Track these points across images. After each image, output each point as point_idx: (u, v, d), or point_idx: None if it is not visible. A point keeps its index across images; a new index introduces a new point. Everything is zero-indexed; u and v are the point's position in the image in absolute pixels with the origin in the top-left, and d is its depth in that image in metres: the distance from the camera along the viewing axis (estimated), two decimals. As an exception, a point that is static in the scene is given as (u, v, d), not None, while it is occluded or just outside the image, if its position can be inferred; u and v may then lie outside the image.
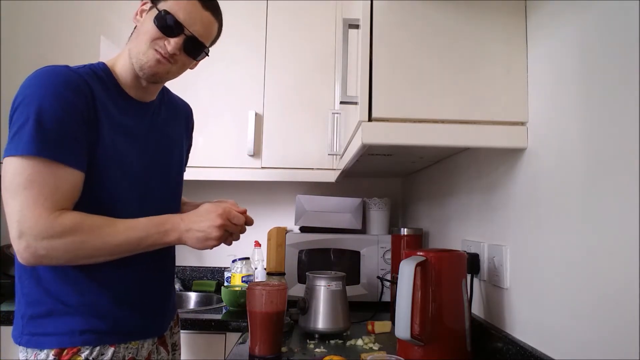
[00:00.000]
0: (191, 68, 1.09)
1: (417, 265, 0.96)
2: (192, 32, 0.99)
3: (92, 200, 0.93)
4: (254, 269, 1.89)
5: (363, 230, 1.89)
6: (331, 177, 1.89)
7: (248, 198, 2.23)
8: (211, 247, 0.98)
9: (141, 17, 1.01)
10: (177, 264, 1.30)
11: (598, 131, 0.74)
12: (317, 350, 1.22)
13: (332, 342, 1.30)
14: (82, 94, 0.91)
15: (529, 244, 0.95)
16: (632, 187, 0.66)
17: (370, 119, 0.94)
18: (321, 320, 1.32)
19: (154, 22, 0.97)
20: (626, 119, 0.67)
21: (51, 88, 0.88)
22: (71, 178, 0.88)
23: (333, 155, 1.82)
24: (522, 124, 0.97)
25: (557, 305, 0.84)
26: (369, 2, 0.96)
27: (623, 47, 0.69)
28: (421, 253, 1.01)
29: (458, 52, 0.97)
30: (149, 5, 1.00)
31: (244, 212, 1.04)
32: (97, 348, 0.93)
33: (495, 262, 1.09)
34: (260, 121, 1.91)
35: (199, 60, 1.08)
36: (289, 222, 2.18)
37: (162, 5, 0.98)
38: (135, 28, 1.03)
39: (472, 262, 1.16)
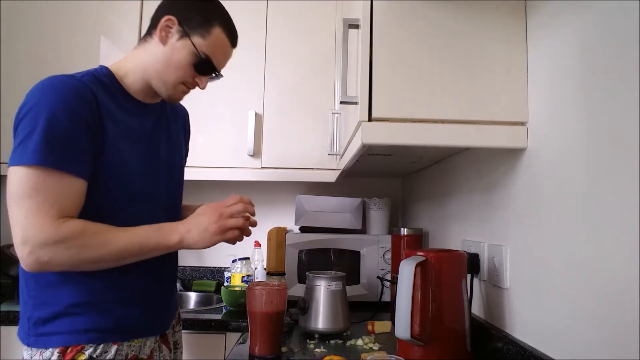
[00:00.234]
0: None
1: (417, 265, 0.96)
2: (219, 69, 1.07)
3: (98, 202, 0.95)
4: (254, 269, 1.89)
5: (363, 230, 1.89)
6: (331, 177, 1.89)
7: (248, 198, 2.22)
8: (215, 242, 0.99)
9: (166, 35, 1.01)
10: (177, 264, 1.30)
11: (598, 131, 0.74)
12: (317, 350, 1.22)
13: (332, 342, 1.30)
14: (88, 103, 0.92)
15: (529, 244, 0.95)
16: (632, 187, 0.66)
17: (370, 119, 0.94)
18: (321, 320, 1.32)
19: (194, 66, 1.02)
20: (626, 119, 0.67)
21: (57, 98, 0.89)
22: (76, 186, 0.90)
23: (333, 155, 1.82)
24: (522, 124, 0.97)
25: (557, 305, 0.84)
26: (369, 2, 0.96)
27: (623, 47, 0.69)
28: (421, 253, 1.01)
29: (458, 52, 0.97)
30: (177, 28, 1.00)
31: (248, 202, 1.05)
32: (101, 346, 0.95)
33: (495, 262, 1.09)
34: (260, 121, 1.91)
35: None
36: (289, 222, 2.18)
37: (199, 44, 1.00)
38: (150, 35, 1.03)
39: (472, 262, 1.16)
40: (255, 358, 1.17)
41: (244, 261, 1.88)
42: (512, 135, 0.97)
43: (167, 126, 1.14)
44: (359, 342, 1.28)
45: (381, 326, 1.39)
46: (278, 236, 1.94)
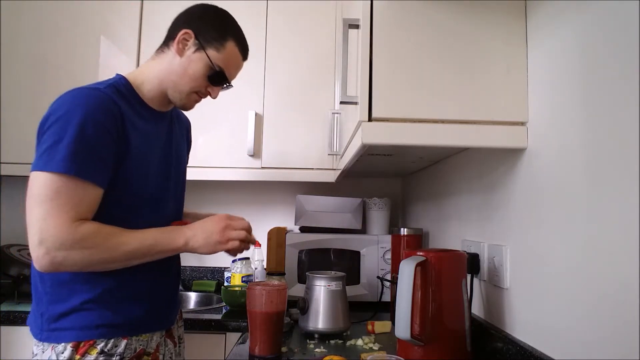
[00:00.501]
0: None
1: (417, 265, 0.96)
2: (231, 80, 1.15)
3: (113, 203, 1.00)
4: (254, 269, 1.89)
5: (363, 230, 1.89)
6: (331, 177, 1.89)
7: (248, 198, 2.23)
8: (217, 250, 1.05)
9: (183, 47, 1.08)
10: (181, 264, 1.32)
11: (598, 131, 0.74)
12: (317, 350, 1.22)
13: (332, 342, 1.30)
14: (112, 115, 0.97)
15: (529, 243, 0.95)
16: (632, 186, 0.66)
17: (370, 119, 0.94)
18: (321, 320, 1.32)
19: (208, 77, 1.09)
20: (626, 119, 0.67)
21: (85, 110, 0.94)
22: (94, 194, 0.96)
23: (333, 155, 1.82)
24: (522, 124, 0.97)
25: (557, 305, 0.84)
26: (369, 2, 0.96)
27: (623, 47, 0.69)
28: (421, 253, 1.01)
29: (458, 52, 0.97)
30: (193, 41, 1.08)
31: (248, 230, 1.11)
32: (112, 340, 1.00)
33: (495, 262, 1.09)
34: (260, 121, 1.91)
35: None
36: (289, 222, 2.18)
37: (214, 57, 1.08)
38: (166, 46, 1.10)
39: (472, 262, 1.16)
40: (255, 358, 1.17)
41: (244, 261, 1.88)
42: (512, 135, 0.97)
43: (174, 133, 1.21)
44: (359, 342, 1.28)
45: (381, 326, 1.39)
46: (278, 236, 1.94)
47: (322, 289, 1.34)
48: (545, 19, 0.91)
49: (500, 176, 1.09)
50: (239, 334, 1.50)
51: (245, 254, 1.96)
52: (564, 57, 0.84)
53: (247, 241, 1.09)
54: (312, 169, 1.89)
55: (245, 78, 1.91)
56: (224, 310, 1.68)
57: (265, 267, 1.95)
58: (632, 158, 0.66)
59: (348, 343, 1.29)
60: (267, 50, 1.93)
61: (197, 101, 1.14)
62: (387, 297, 1.63)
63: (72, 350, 0.97)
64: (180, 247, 1.03)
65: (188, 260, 2.17)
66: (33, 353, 1.01)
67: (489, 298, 1.14)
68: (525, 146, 0.97)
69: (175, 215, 1.21)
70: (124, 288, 1.03)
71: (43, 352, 0.99)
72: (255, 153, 1.89)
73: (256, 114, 1.90)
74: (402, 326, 0.93)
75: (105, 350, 0.99)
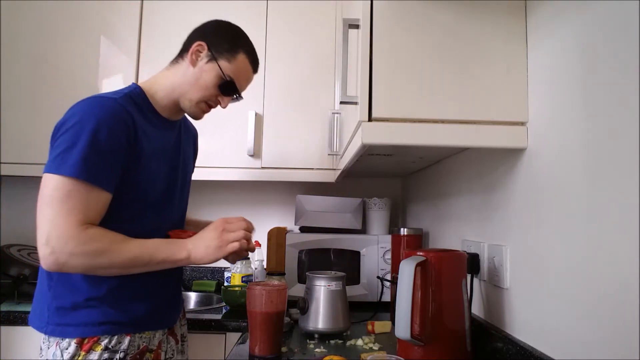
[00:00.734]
0: None
1: (417, 265, 0.96)
2: (241, 91, 1.19)
3: (121, 207, 1.03)
4: (254, 269, 1.89)
5: (363, 230, 1.89)
6: (331, 177, 1.88)
7: (248, 198, 2.23)
8: (218, 256, 1.05)
9: (196, 58, 1.13)
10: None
11: (598, 131, 0.74)
12: (317, 350, 1.22)
13: (332, 342, 1.30)
14: (125, 125, 1.01)
15: (529, 243, 0.95)
16: (632, 187, 0.66)
17: (370, 119, 0.94)
18: (321, 320, 1.32)
19: (218, 87, 1.14)
20: (626, 119, 0.67)
21: (98, 118, 0.98)
22: (102, 198, 0.99)
23: (333, 155, 1.82)
24: (522, 124, 0.97)
25: (557, 305, 0.84)
26: (369, 2, 0.96)
27: (623, 47, 0.69)
28: (421, 253, 1.01)
29: (458, 52, 0.97)
30: (206, 52, 1.13)
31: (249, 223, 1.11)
32: (115, 337, 1.03)
33: (495, 262, 1.09)
34: (260, 121, 1.91)
35: None
36: (289, 222, 2.18)
37: (225, 67, 1.13)
38: (181, 57, 1.16)
39: (472, 262, 1.16)
40: (255, 358, 1.17)
41: (244, 261, 1.88)
42: (512, 135, 0.97)
43: (182, 142, 1.25)
44: (359, 342, 1.28)
45: (381, 326, 1.39)
46: (278, 236, 1.94)
47: (322, 289, 1.34)
48: (545, 19, 0.91)
49: (500, 176, 1.09)
50: (239, 334, 1.50)
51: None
52: (564, 57, 0.84)
53: (248, 239, 1.09)
54: (312, 169, 1.89)
55: (245, 78, 1.92)
56: (224, 310, 1.68)
57: (265, 267, 1.95)
58: (632, 158, 0.66)
59: (348, 343, 1.29)
60: (267, 50, 1.93)
61: (206, 111, 1.19)
62: (387, 297, 1.63)
63: (77, 346, 1.00)
64: (183, 260, 1.04)
65: (188, 260, 2.17)
66: (40, 349, 1.05)
67: (489, 298, 1.14)
68: (525, 146, 0.97)
69: (179, 219, 1.25)
70: (126, 287, 1.06)
71: (48, 348, 1.02)
72: (255, 153, 1.89)
73: (256, 114, 1.90)
74: (402, 326, 0.93)
75: (110, 346, 1.02)
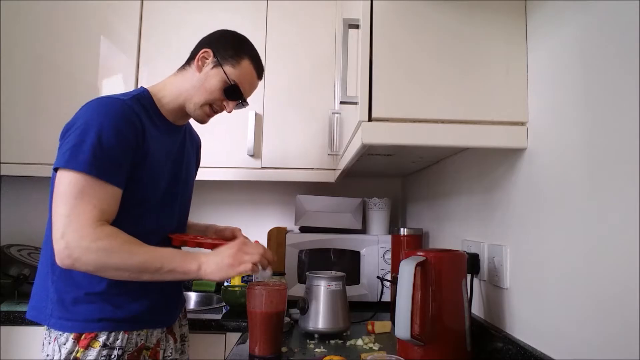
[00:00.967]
0: None
1: (417, 265, 0.96)
2: (246, 96, 1.23)
3: (126, 207, 1.05)
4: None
5: (363, 230, 1.89)
6: (331, 177, 1.88)
7: (248, 198, 2.23)
8: (230, 274, 1.05)
9: (202, 64, 1.18)
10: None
11: (598, 131, 0.74)
12: (317, 350, 1.22)
13: (332, 342, 1.30)
14: (133, 126, 1.05)
15: (529, 244, 0.95)
16: (632, 187, 0.66)
17: (370, 119, 0.94)
18: (321, 320, 1.32)
19: (223, 92, 1.18)
20: (626, 119, 0.67)
21: (107, 118, 1.02)
22: (113, 194, 1.02)
23: (333, 155, 1.82)
24: (522, 124, 0.97)
25: (557, 305, 0.84)
26: (369, 2, 0.96)
27: (623, 47, 0.69)
28: (421, 253, 1.01)
29: (458, 52, 0.97)
30: (212, 59, 1.17)
31: (270, 255, 1.13)
32: (113, 334, 1.05)
33: (495, 262, 1.09)
34: (260, 121, 1.91)
35: None
36: (289, 222, 2.18)
37: (229, 72, 1.17)
38: (188, 65, 1.20)
39: (472, 262, 1.16)
40: (255, 358, 1.17)
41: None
42: (512, 135, 0.97)
43: (186, 147, 1.29)
44: (359, 342, 1.28)
45: (381, 326, 1.39)
46: (278, 236, 1.94)
47: (322, 289, 1.34)
48: (545, 19, 0.91)
49: (500, 176, 1.09)
50: (239, 334, 1.50)
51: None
52: (564, 57, 0.84)
53: (263, 264, 1.10)
54: (312, 169, 1.89)
55: (245, 78, 1.92)
56: (224, 310, 1.68)
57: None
58: (632, 158, 0.66)
59: (348, 343, 1.29)
60: (267, 50, 1.93)
61: (211, 115, 1.22)
62: (387, 297, 1.63)
63: (74, 342, 1.02)
64: (193, 272, 1.03)
65: (188, 260, 2.17)
66: (42, 345, 1.07)
67: (489, 298, 1.14)
68: (525, 146, 0.97)
69: (179, 224, 1.27)
70: (125, 284, 1.06)
71: (49, 343, 1.04)
72: (255, 153, 1.89)
73: (256, 114, 1.90)
74: (402, 326, 0.93)
75: (108, 343, 1.04)
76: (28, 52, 1.92)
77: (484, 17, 0.98)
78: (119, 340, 1.05)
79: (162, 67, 1.88)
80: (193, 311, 1.70)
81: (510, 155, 1.03)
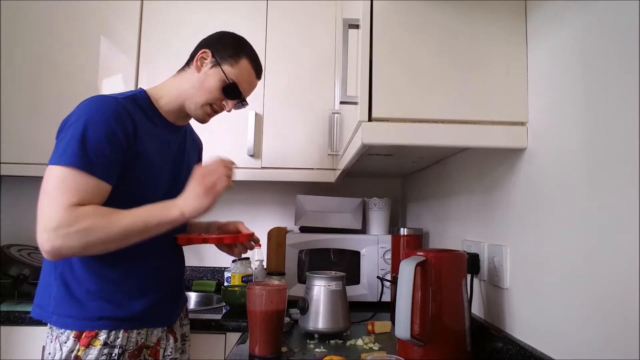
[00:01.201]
0: None
1: (417, 265, 0.96)
2: (245, 96, 1.24)
3: (121, 205, 1.03)
4: (253, 269, 1.89)
5: (363, 230, 1.89)
6: (331, 177, 1.88)
7: (248, 198, 2.23)
8: (211, 202, 1.06)
9: (201, 65, 1.19)
10: (184, 264, 1.33)
11: (598, 131, 0.74)
12: (317, 350, 1.22)
13: (332, 342, 1.30)
14: (123, 124, 1.05)
15: (529, 244, 0.95)
16: (632, 187, 0.66)
17: (370, 119, 0.94)
18: (321, 320, 1.32)
19: (222, 91, 1.19)
20: (626, 119, 0.67)
21: (99, 115, 1.03)
22: (100, 188, 1.01)
23: (333, 155, 1.82)
24: (522, 124, 0.97)
25: (557, 305, 0.84)
26: (369, 2, 0.96)
27: (623, 47, 0.69)
28: (421, 253, 1.01)
29: (458, 52, 0.97)
30: (210, 59, 1.18)
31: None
32: (113, 332, 1.05)
33: (495, 262, 1.09)
34: (260, 121, 1.91)
35: None
36: (289, 222, 2.18)
37: (228, 71, 1.18)
38: (187, 66, 1.22)
39: (472, 262, 1.16)
40: (255, 358, 1.17)
41: (244, 261, 1.88)
42: (512, 135, 0.97)
43: (187, 148, 1.30)
44: (359, 342, 1.28)
45: (381, 326, 1.39)
46: (278, 236, 1.94)
47: (322, 289, 1.34)
48: (545, 19, 0.91)
49: (500, 176, 1.09)
50: (239, 334, 1.50)
51: (245, 254, 1.98)
52: (564, 57, 0.84)
53: (228, 175, 1.10)
54: (312, 169, 1.89)
55: (245, 78, 1.92)
56: (224, 310, 1.68)
57: (265, 267, 1.95)
58: (632, 158, 0.66)
59: (348, 343, 1.29)
60: (267, 50, 1.93)
61: (211, 115, 1.23)
62: (387, 297, 1.63)
63: (75, 340, 1.02)
64: (178, 218, 1.04)
65: (188, 260, 2.15)
66: (45, 344, 1.07)
67: (489, 298, 1.14)
68: (525, 146, 0.97)
69: (182, 224, 1.24)
70: (125, 283, 1.08)
71: (51, 342, 1.05)
72: (255, 153, 1.89)
73: (256, 114, 1.90)
74: (402, 326, 0.93)
75: (108, 342, 1.04)
76: (28, 52, 1.92)
77: (483, 17, 0.98)
78: (119, 339, 1.05)
79: (162, 67, 1.88)
80: (193, 311, 1.70)
81: (510, 155, 1.03)
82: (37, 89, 1.90)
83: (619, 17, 0.70)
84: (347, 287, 1.41)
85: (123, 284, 1.08)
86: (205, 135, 1.87)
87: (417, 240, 1.69)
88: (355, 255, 1.78)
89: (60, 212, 0.95)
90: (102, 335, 1.04)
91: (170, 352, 1.19)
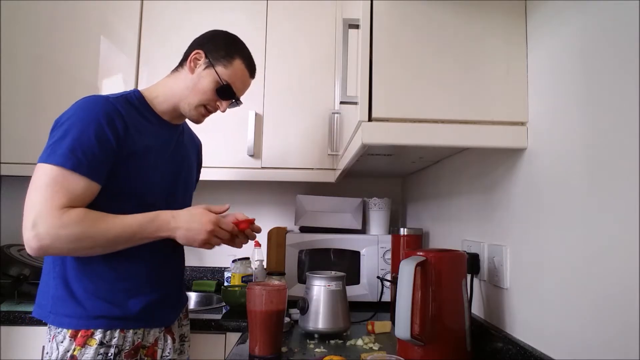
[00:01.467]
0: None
1: (417, 265, 0.96)
2: (239, 96, 1.24)
3: (112, 206, 1.06)
4: (253, 269, 1.89)
5: (363, 230, 1.89)
6: (331, 177, 1.88)
7: (248, 198, 2.23)
8: (196, 247, 1.11)
9: (194, 66, 1.19)
10: (184, 265, 1.34)
11: (598, 131, 0.74)
12: (317, 350, 1.22)
13: (332, 342, 1.30)
14: (113, 124, 1.06)
15: (529, 244, 0.95)
16: (632, 187, 0.66)
17: (370, 119, 0.94)
18: (321, 320, 1.32)
19: (216, 92, 1.18)
20: (626, 119, 0.67)
21: (89, 116, 1.04)
22: (88, 187, 1.02)
23: (333, 155, 1.82)
24: (522, 124, 0.97)
25: (557, 305, 0.84)
26: (369, 2, 0.96)
27: (623, 47, 0.69)
28: (421, 253, 1.01)
29: (458, 52, 0.97)
30: (204, 60, 1.18)
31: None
32: (109, 332, 1.05)
33: (495, 262, 1.09)
34: (260, 121, 1.91)
35: None
36: (289, 222, 2.18)
37: (222, 72, 1.18)
38: (181, 66, 1.21)
39: (472, 262, 1.16)
40: (255, 358, 1.17)
41: (244, 261, 1.88)
42: (512, 135, 0.97)
43: (185, 146, 1.30)
44: (359, 342, 1.28)
45: (381, 326, 1.39)
46: (278, 236, 1.94)
47: (322, 289, 1.34)
48: (545, 19, 0.91)
49: (500, 176, 1.09)
50: (239, 334, 1.50)
51: (245, 254, 1.98)
52: (564, 57, 0.84)
53: (229, 244, 1.18)
54: (312, 169, 1.89)
55: (245, 78, 1.92)
56: (224, 310, 1.68)
57: (265, 267, 1.95)
58: (632, 158, 0.66)
59: (348, 343, 1.29)
60: (267, 50, 1.93)
61: (206, 115, 1.23)
62: (387, 297, 1.63)
63: (70, 339, 1.03)
64: (164, 237, 1.08)
65: (188, 260, 2.15)
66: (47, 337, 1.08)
67: (489, 298, 1.14)
68: (525, 146, 0.97)
69: None
70: (122, 282, 1.09)
71: (49, 341, 1.05)
72: (255, 153, 1.89)
73: (256, 114, 1.90)
74: (402, 326, 0.93)
75: (104, 341, 1.04)
76: (28, 52, 1.92)
77: (483, 17, 0.98)
78: (115, 339, 1.05)
79: (162, 67, 1.87)
80: (193, 311, 1.70)
81: (510, 155, 1.03)
82: (37, 89, 1.90)
83: (618, 17, 0.70)
84: (347, 287, 1.41)
85: (120, 283, 1.08)
86: (205, 135, 1.88)
87: (417, 240, 1.69)
88: (355, 255, 1.78)
89: (52, 212, 0.96)
90: (98, 335, 1.04)
91: (169, 352, 1.18)
